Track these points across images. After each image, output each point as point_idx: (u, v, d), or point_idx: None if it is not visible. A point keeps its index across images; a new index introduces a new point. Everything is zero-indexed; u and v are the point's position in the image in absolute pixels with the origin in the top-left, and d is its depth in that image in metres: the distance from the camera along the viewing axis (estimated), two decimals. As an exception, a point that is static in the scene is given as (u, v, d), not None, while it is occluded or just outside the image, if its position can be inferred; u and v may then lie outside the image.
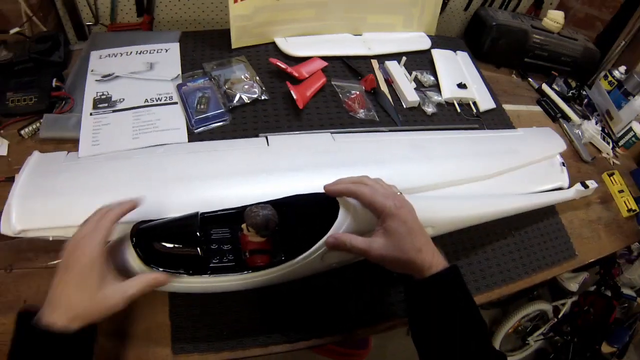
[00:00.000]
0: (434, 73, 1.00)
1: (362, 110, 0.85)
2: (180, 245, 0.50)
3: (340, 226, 0.52)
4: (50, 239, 0.58)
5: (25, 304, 0.57)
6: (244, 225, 0.52)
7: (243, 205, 0.54)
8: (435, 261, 0.46)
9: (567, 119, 1.10)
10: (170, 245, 0.49)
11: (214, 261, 0.52)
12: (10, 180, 0.64)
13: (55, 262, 0.60)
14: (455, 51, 1.07)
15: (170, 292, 0.59)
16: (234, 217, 0.54)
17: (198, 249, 0.49)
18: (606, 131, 1.12)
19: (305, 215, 0.56)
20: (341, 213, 0.52)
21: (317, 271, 0.55)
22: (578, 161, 1.03)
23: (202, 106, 0.78)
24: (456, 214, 0.66)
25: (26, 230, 0.57)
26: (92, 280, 0.43)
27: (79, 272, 0.43)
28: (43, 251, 0.60)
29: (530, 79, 1.17)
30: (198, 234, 0.49)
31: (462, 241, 0.75)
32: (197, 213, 0.52)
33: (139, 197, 0.52)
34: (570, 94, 1.17)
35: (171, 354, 0.57)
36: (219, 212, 0.55)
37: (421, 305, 0.48)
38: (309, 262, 0.52)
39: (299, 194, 0.57)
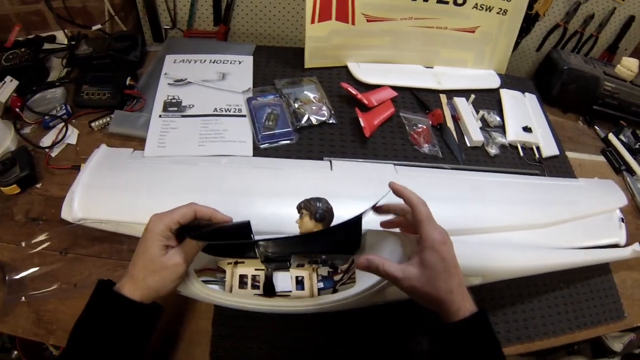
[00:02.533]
0: (500, 113, 0.97)
1: (426, 145, 0.83)
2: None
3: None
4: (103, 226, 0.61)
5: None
6: (299, 220, 0.52)
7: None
8: (463, 305, 0.45)
9: (632, 172, 1.05)
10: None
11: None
12: (76, 168, 0.67)
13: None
14: (524, 92, 1.04)
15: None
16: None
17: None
18: (671, 188, 1.06)
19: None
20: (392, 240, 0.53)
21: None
22: (638, 218, 0.98)
23: (270, 122, 0.79)
24: (509, 265, 0.64)
25: (85, 219, 0.60)
26: (153, 249, 0.47)
27: (143, 243, 0.47)
28: (97, 240, 0.62)
29: (596, 127, 1.12)
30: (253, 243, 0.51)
31: (508, 287, 0.72)
32: (249, 222, 0.51)
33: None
34: (637, 146, 1.12)
35: (209, 361, 0.57)
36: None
37: (448, 350, 0.47)
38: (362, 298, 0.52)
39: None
